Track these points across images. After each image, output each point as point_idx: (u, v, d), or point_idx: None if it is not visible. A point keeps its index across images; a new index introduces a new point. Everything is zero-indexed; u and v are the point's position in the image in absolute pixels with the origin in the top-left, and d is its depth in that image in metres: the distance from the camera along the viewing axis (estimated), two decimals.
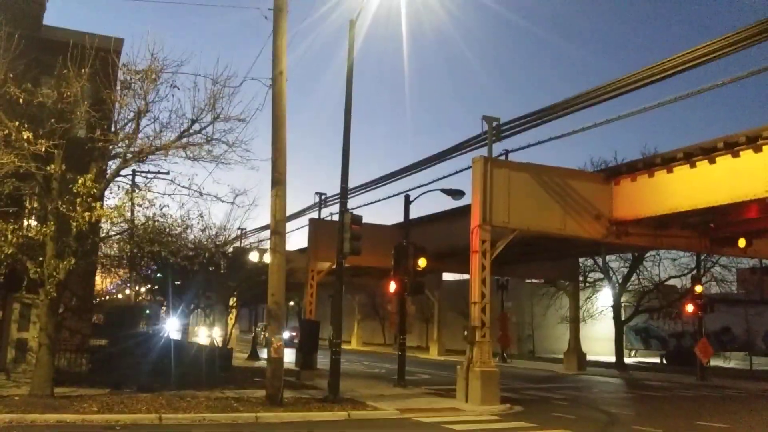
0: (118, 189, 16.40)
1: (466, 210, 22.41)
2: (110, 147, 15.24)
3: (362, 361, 38.15)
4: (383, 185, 32.42)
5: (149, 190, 16.08)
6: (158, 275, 27.32)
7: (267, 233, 33.85)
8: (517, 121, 21.96)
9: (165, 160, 15.87)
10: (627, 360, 39.02)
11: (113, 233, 18.31)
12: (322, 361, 22.34)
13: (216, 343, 29.53)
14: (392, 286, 22.69)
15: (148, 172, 19.98)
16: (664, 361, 42.82)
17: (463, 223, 24.49)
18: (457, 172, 35.57)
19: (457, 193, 23.36)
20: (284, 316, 16.35)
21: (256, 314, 53.00)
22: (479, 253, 19.42)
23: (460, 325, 42.16)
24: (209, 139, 15.58)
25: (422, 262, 22.30)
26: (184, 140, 15.50)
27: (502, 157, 23.26)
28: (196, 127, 15.54)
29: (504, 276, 41.32)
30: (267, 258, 25.64)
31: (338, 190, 18.49)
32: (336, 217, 25.27)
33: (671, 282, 40.48)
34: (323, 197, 37.58)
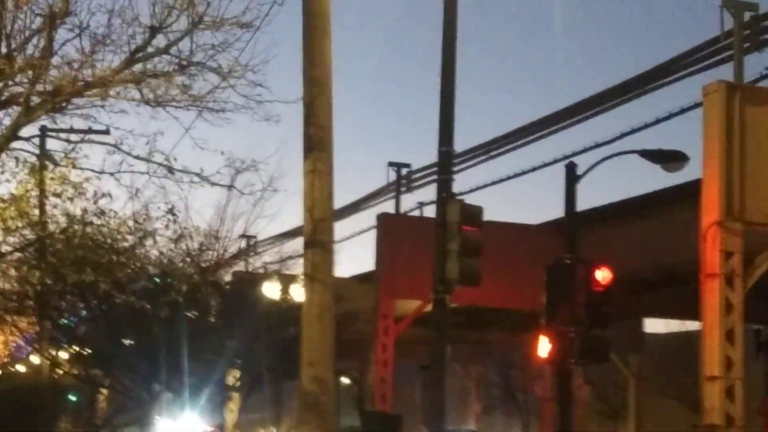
0: (17, 164, 16.83)
1: (689, 192, 21.87)
2: None
3: None
4: (519, 146, 32.35)
5: (74, 165, 16.44)
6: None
7: (297, 245, 33.64)
8: None
9: (102, 107, 16.12)
10: None
11: (9, 249, 18.87)
12: None
13: None
14: (544, 347, 22.45)
15: (71, 130, 20.39)
16: None
17: (684, 219, 23.92)
18: (667, 118, 34.43)
19: (672, 159, 22.91)
20: (334, 403, 16.40)
21: (279, 398, 53.64)
22: (719, 279, 19.14)
23: (682, 422, 41.05)
24: (184, 63, 15.73)
25: (604, 296, 22.03)
26: (138, 67, 15.70)
27: (765, 84, 22.81)
28: (160, 41, 15.68)
29: None
30: (297, 293, 25.70)
31: (431, 160, 18.64)
32: (428, 212, 25.04)
33: None
34: (404, 172, 37.76)
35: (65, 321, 29.90)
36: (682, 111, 26.27)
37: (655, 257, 31.14)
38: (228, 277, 33.63)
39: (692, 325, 41.49)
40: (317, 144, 15.82)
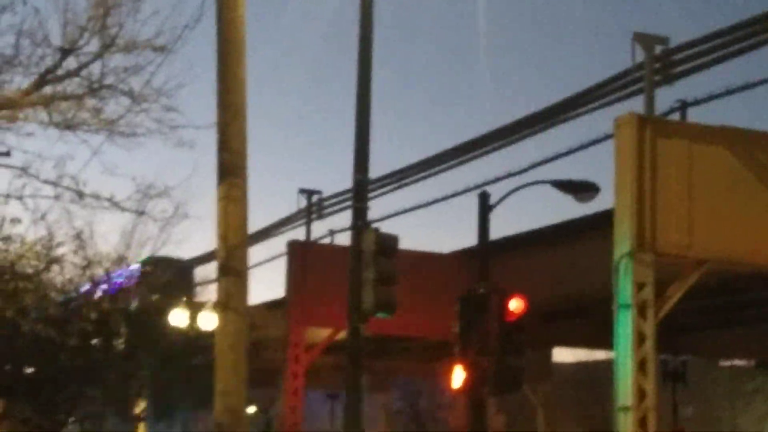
0: None
1: (600, 223, 21.98)
2: None
3: None
4: (433, 173, 32.32)
5: None
6: None
7: (208, 271, 33.22)
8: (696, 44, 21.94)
9: (9, 129, 15.86)
10: None
11: None
12: None
13: None
14: (457, 377, 22.42)
15: None
16: None
17: (594, 249, 24.07)
18: (580, 148, 34.65)
19: (583, 189, 23.11)
20: None
21: (186, 427, 52.96)
22: (632, 310, 19.22)
23: None
24: (96, 86, 15.58)
25: (517, 325, 22.08)
26: (47, 90, 15.49)
27: (674, 116, 22.99)
28: (71, 63, 15.52)
29: (677, 354, 40.87)
30: (208, 320, 25.31)
31: (344, 186, 18.56)
32: (339, 239, 24.85)
33: None
34: (315, 199, 37.58)
35: None
36: (594, 142, 26.42)
37: (567, 287, 31.35)
38: (135, 305, 33.18)
39: (599, 355, 41.79)
40: (231, 170, 15.59)
